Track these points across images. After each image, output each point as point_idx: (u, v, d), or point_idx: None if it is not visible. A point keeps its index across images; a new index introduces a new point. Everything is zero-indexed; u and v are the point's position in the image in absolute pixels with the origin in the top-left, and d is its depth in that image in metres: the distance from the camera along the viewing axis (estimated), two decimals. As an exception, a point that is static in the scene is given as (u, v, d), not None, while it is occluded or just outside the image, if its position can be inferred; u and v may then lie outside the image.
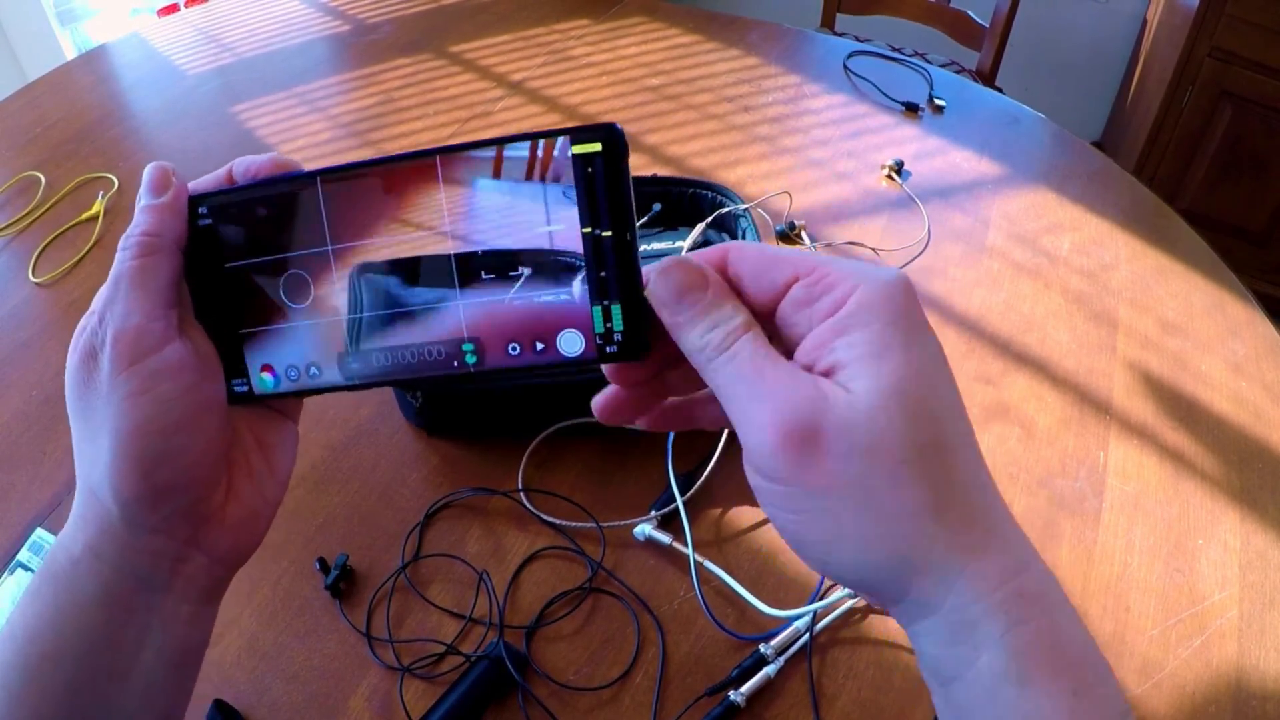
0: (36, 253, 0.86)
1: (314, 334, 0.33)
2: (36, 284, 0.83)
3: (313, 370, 0.33)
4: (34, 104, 1.12)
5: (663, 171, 0.96)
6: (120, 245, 0.32)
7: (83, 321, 0.32)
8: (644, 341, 0.29)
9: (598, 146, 0.29)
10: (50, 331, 0.78)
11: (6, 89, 1.18)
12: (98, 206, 0.90)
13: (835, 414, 0.26)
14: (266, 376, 0.34)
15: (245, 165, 0.33)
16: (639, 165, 0.98)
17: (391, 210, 0.31)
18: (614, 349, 0.30)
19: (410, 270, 0.32)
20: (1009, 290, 0.82)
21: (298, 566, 0.59)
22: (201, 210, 0.33)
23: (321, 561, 0.59)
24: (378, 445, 0.67)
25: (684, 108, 1.08)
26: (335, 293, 0.32)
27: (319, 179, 0.32)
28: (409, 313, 0.32)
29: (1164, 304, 0.81)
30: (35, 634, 0.32)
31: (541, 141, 0.29)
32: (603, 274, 0.29)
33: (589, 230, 0.29)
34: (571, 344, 0.30)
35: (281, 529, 0.61)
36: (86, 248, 0.87)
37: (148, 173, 0.33)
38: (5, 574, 0.59)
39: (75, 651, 0.31)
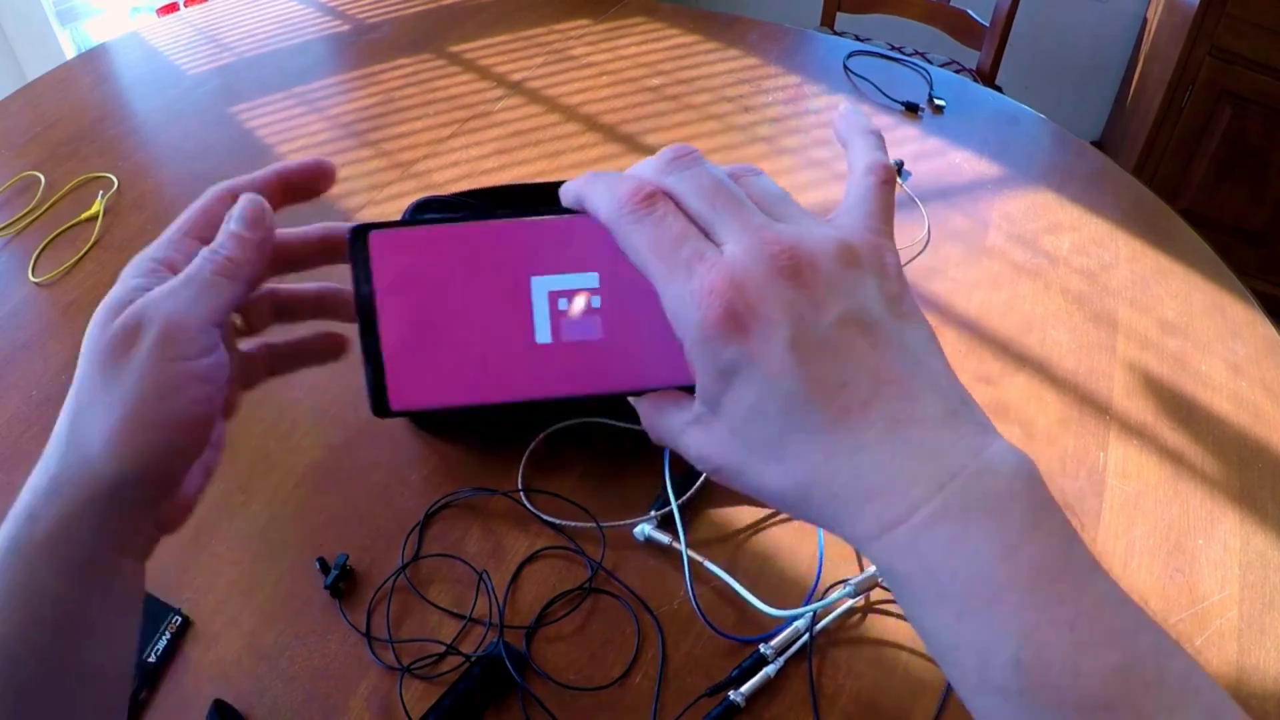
0: (36, 253, 0.86)
1: (479, 353, 0.34)
2: (36, 284, 0.83)
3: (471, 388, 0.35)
4: (34, 104, 1.12)
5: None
6: (203, 254, 0.34)
7: (123, 291, 0.33)
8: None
9: None
10: (50, 331, 0.78)
11: (6, 89, 1.18)
12: (97, 206, 0.90)
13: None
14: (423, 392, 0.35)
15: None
16: (639, 165, 0.98)
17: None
18: None
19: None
20: (1009, 290, 0.82)
21: (298, 566, 0.59)
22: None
23: (321, 561, 0.58)
24: (378, 445, 0.67)
25: (684, 108, 1.09)
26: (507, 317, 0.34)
27: (504, 219, 0.33)
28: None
29: (1164, 304, 0.81)
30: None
31: None
32: None
33: None
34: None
35: (281, 529, 0.61)
36: (86, 247, 0.87)
37: (243, 204, 0.35)
38: (5, 574, 0.59)
39: (50, 620, 0.33)
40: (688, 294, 0.28)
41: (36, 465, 0.34)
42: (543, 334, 0.34)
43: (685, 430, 0.33)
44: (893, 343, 0.30)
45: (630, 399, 0.35)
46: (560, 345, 0.34)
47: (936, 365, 0.31)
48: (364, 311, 0.34)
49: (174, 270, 0.34)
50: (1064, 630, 0.30)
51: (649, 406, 0.34)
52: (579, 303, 0.34)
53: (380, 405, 0.34)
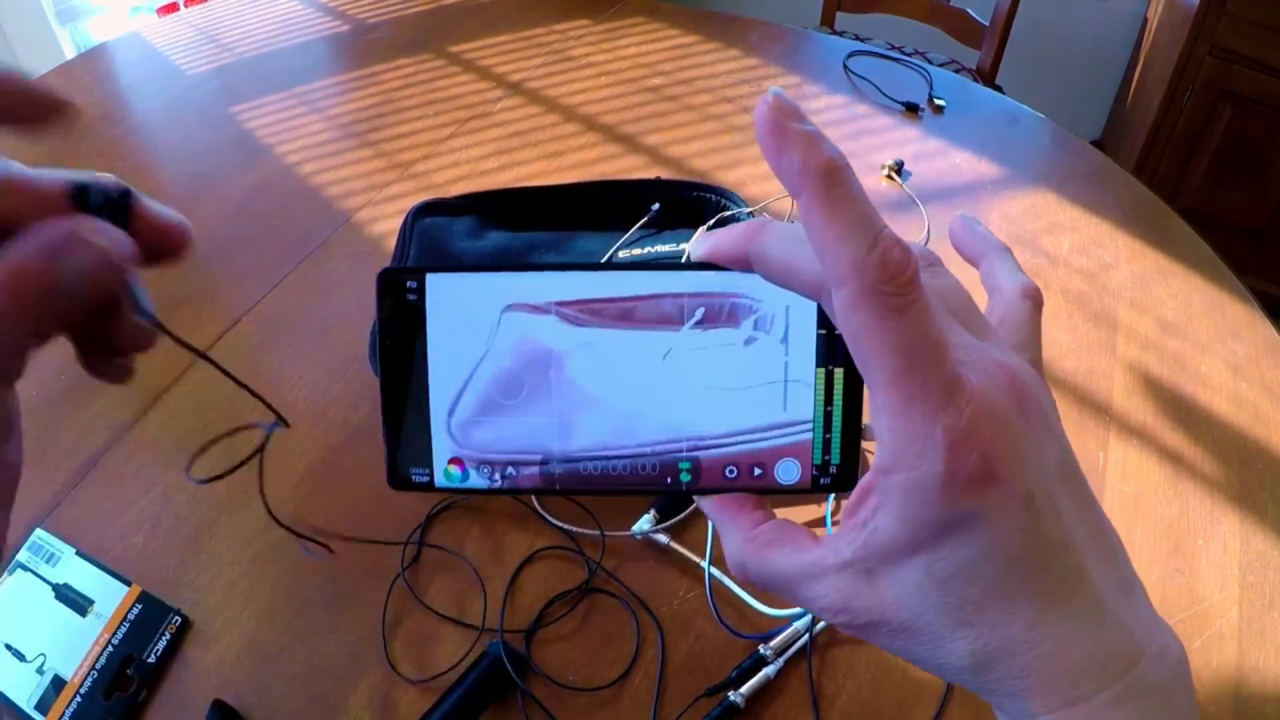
0: (36, 253, 0.86)
1: (520, 431, 0.31)
2: (36, 284, 0.83)
3: (509, 470, 0.32)
4: (34, 104, 1.12)
5: (663, 173, 0.96)
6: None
7: None
8: (855, 475, 0.29)
9: None
10: (50, 332, 0.78)
11: (6, 89, 1.18)
12: (97, 206, 0.90)
13: None
14: (455, 470, 0.32)
15: None
16: (639, 166, 0.98)
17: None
18: (827, 480, 0.29)
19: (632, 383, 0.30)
20: (1009, 290, 0.82)
21: (298, 566, 0.59)
22: (410, 285, 0.30)
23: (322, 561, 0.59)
24: (378, 445, 0.66)
25: (684, 108, 1.09)
26: (547, 394, 0.30)
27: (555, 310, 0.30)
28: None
29: (1164, 304, 0.81)
30: None
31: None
32: (829, 408, 0.29)
33: (822, 367, 0.29)
34: (789, 473, 0.29)
35: (282, 529, 0.61)
36: (86, 248, 0.86)
37: None
38: (5, 574, 0.59)
39: None
40: (939, 429, 0.22)
41: None
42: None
43: (819, 577, 0.27)
44: (1089, 498, 0.26)
45: (714, 518, 0.31)
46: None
47: (1109, 523, 0.27)
48: (390, 369, 0.31)
49: None
50: None
51: (750, 545, 0.29)
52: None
53: (403, 476, 0.32)
